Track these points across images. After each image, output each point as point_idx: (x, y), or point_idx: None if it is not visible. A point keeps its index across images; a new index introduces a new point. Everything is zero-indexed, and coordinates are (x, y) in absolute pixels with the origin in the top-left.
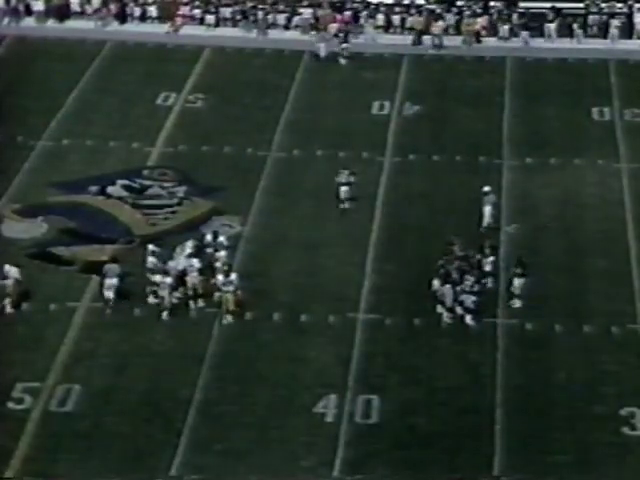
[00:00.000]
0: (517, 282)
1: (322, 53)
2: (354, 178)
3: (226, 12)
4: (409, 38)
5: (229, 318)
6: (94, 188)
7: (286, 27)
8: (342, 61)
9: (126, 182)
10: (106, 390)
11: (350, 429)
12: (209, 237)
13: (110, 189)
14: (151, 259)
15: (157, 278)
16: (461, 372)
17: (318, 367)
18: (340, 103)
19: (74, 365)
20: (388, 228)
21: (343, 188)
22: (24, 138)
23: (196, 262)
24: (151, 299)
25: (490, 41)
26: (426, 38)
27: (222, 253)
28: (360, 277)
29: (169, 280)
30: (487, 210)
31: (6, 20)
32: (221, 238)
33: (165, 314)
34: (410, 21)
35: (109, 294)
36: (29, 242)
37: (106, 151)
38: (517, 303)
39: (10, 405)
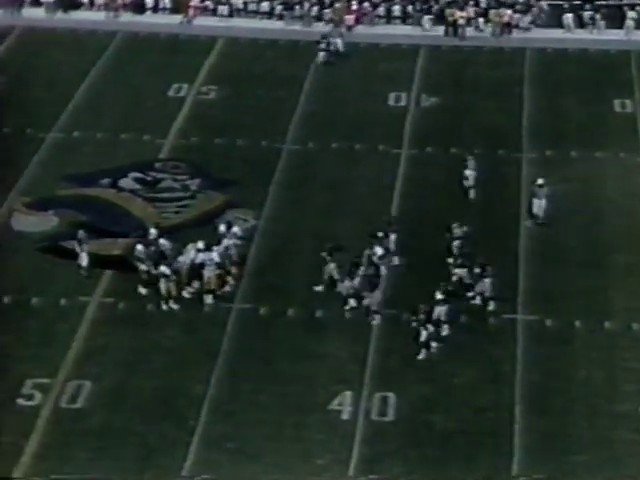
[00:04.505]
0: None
1: (341, 47)
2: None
3: (238, 3)
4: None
5: (208, 299)
6: (105, 181)
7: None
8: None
9: (138, 175)
10: (117, 387)
11: (366, 427)
12: (222, 228)
13: (122, 182)
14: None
15: (163, 269)
16: (480, 369)
17: (333, 364)
18: (356, 94)
19: (85, 361)
20: (405, 221)
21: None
22: (34, 130)
23: (215, 256)
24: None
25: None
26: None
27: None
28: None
29: (168, 271)
30: (542, 204)
31: (8, 10)
32: (235, 229)
33: (172, 303)
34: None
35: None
36: (39, 236)
37: (117, 143)
38: (492, 304)
39: (20, 401)
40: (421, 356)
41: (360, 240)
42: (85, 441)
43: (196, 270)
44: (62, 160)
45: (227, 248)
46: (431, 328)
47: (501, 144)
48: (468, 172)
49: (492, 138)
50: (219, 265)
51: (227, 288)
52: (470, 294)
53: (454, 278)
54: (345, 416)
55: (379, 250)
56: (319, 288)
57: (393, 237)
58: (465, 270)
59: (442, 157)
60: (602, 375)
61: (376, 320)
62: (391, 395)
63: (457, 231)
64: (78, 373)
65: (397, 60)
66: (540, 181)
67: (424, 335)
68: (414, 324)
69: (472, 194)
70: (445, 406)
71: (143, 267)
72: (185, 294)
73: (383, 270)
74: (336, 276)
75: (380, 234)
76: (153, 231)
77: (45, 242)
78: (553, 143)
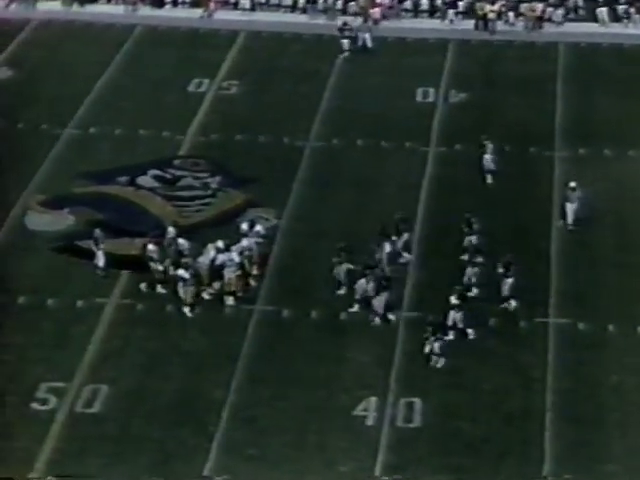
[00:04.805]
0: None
1: (369, 43)
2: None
3: None
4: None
5: (229, 300)
6: (123, 178)
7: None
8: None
9: (157, 172)
10: (135, 391)
11: (391, 433)
12: (245, 226)
13: (140, 180)
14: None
15: (181, 272)
16: (509, 374)
17: (358, 368)
18: (382, 90)
19: (102, 364)
20: (432, 222)
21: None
22: (50, 126)
23: (236, 256)
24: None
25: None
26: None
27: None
28: (402, 273)
29: (187, 275)
30: (573, 207)
31: (24, 3)
32: (258, 227)
33: (187, 310)
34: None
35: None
36: (55, 235)
37: (136, 140)
38: (513, 303)
39: (34, 406)
40: (439, 364)
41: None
42: (101, 447)
43: (216, 271)
44: (78, 157)
45: (248, 248)
46: (437, 343)
47: (532, 142)
48: (487, 157)
49: (523, 135)
50: (240, 266)
51: (249, 286)
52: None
53: (465, 279)
54: (369, 422)
55: (388, 248)
56: (341, 292)
57: (405, 236)
58: (475, 270)
59: (471, 155)
60: (635, 382)
61: (376, 322)
62: (417, 401)
63: (476, 226)
64: (94, 377)
65: (425, 55)
66: (572, 184)
67: (427, 348)
68: (425, 335)
69: (490, 179)
70: (473, 412)
71: (155, 266)
72: (205, 295)
73: (388, 271)
74: (343, 279)
75: (394, 237)
76: (171, 230)
77: (61, 242)
78: (586, 141)
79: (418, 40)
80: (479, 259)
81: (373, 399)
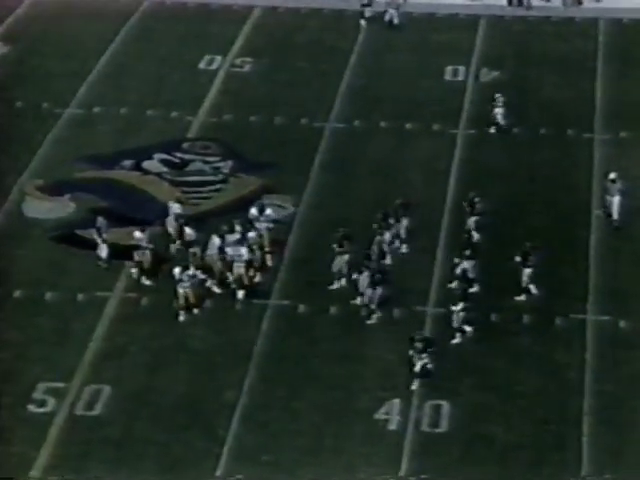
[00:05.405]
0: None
1: (396, 19)
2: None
3: None
4: None
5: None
6: (128, 163)
7: None
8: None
9: (164, 156)
10: (139, 392)
11: (415, 438)
12: (254, 211)
13: (146, 164)
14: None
15: (176, 272)
16: (544, 375)
17: (380, 367)
18: (408, 68)
19: (103, 363)
20: (461, 210)
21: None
22: (49, 105)
23: (244, 251)
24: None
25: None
26: None
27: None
28: (429, 266)
29: (179, 275)
30: (615, 201)
31: None
32: (268, 211)
33: (182, 314)
34: None
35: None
36: (54, 223)
37: (142, 121)
38: (534, 290)
39: (31, 408)
40: (414, 386)
41: (410, 232)
42: (103, 451)
43: (226, 264)
44: (80, 139)
45: (257, 237)
46: (429, 359)
47: (570, 123)
48: (497, 110)
49: (560, 117)
50: (249, 262)
51: (258, 279)
52: (474, 290)
53: (457, 271)
54: (392, 426)
55: (388, 236)
56: (335, 286)
57: (405, 223)
58: (472, 263)
59: (504, 138)
60: None
61: (373, 319)
62: (444, 404)
63: (479, 206)
64: (96, 377)
65: (455, 31)
66: (612, 175)
67: (419, 365)
68: (410, 352)
69: (493, 130)
70: (505, 416)
71: (140, 256)
72: (215, 289)
73: (389, 260)
74: (344, 270)
75: (391, 221)
76: (176, 206)
77: (60, 230)
78: (628, 123)
79: (448, 16)
80: (467, 252)
81: (396, 401)
